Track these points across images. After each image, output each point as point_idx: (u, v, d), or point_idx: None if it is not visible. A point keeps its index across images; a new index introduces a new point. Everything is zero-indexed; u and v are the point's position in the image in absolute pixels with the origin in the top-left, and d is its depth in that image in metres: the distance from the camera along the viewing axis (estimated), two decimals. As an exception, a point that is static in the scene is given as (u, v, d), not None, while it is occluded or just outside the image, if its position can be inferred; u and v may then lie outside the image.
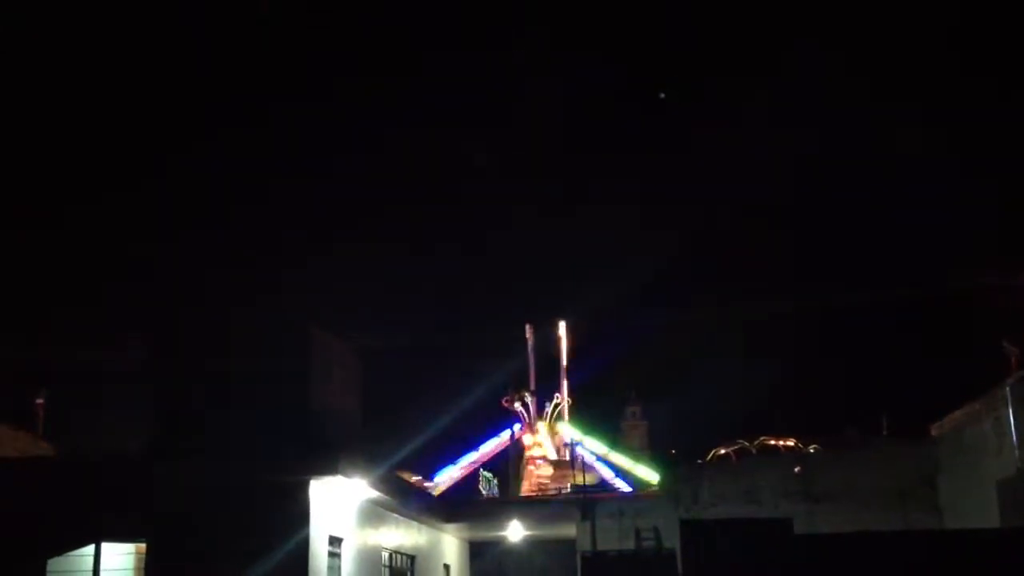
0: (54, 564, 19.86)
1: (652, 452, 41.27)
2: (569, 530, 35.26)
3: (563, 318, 42.32)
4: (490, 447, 40.08)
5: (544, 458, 40.07)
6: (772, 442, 42.62)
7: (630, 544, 33.89)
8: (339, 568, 21.48)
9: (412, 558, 28.23)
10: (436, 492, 35.67)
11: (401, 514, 27.23)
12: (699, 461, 39.19)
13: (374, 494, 23.27)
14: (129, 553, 20.09)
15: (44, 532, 19.77)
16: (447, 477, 38.27)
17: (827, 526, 26.78)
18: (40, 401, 32.49)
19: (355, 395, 24.18)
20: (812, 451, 40.46)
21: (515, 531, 34.51)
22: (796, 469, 33.81)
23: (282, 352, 21.21)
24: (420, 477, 35.83)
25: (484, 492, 37.31)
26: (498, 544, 36.67)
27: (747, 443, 42.98)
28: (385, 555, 25.64)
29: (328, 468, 20.20)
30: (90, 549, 19.89)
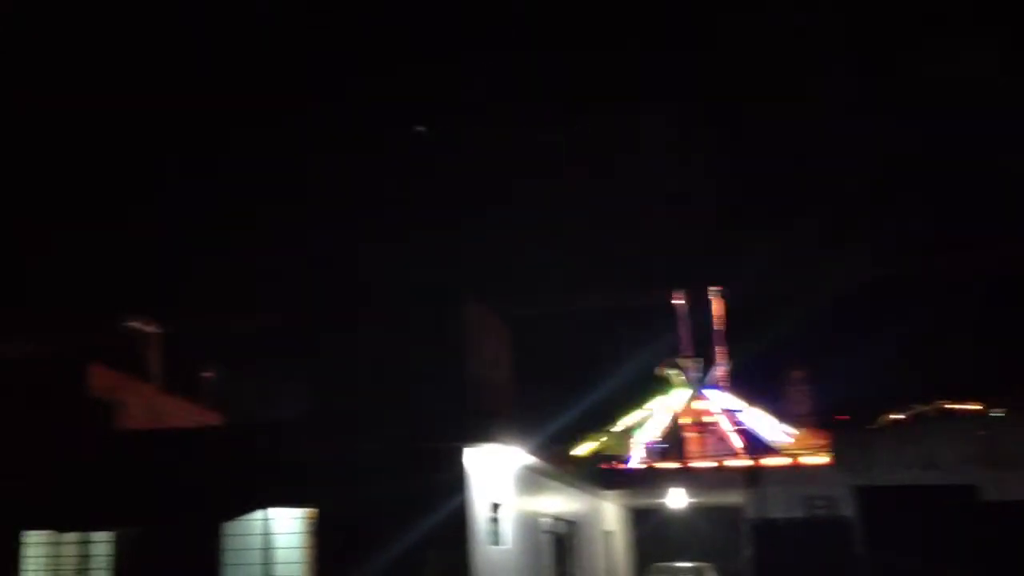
0: (229, 528, 21.50)
1: (818, 418, 40.91)
2: (734, 497, 35.50)
3: (719, 284, 42.26)
4: (646, 414, 40.44)
5: (703, 424, 40.23)
6: (951, 406, 41.60)
7: (799, 512, 34.01)
8: (500, 533, 22.40)
9: (572, 524, 29.01)
10: (596, 459, 36.39)
11: (560, 481, 28.02)
12: (870, 427, 38.66)
13: (531, 461, 24.12)
14: (299, 518, 21.55)
15: (218, 498, 21.38)
16: (600, 444, 38.90)
17: (1015, 494, 26.28)
18: (208, 374, 34.76)
19: (507, 363, 25.02)
20: (997, 415, 39.30)
21: (677, 498, 34.97)
22: (980, 433, 33.09)
23: (434, 320, 22.14)
24: (593, 440, 36.64)
25: (643, 458, 37.85)
26: (660, 511, 37.15)
27: (923, 407, 42.08)
28: (545, 521, 26.47)
29: (482, 435, 21.04)
30: (261, 514, 21.48)
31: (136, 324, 34.50)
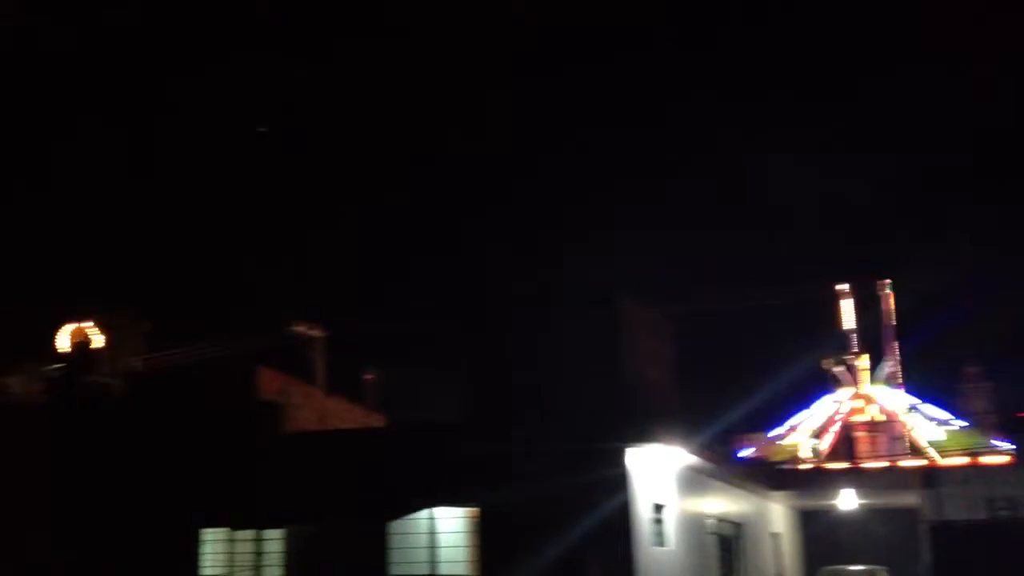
0: (394, 527, 21.90)
1: (998, 415, 38.99)
2: (909, 499, 34.20)
3: (888, 277, 40.74)
4: (813, 413, 39.36)
5: (873, 423, 38.89)
6: None
7: (980, 514, 32.48)
8: (663, 534, 22.13)
9: (738, 525, 28.42)
10: (761, 460, 35.63)
11: (724, 482, 27.49)
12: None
13: (694, 461, 23.72)
14: (462, 517, 21.77)
15: (384, 498, 21.76)
16: (765, 444, 38.04)
17: None
18: (369, 376, 35.56)
19: (667, 361, 24.67)
20: None
21: (847, 499, 33.91)
22: None
23: (591, 320, 21.99)
24: (757, 441, 35.93)
25: (808, 459, 36.83)
26: (829, 512, 36.11)
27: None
28: (710, 522, 26.01)
29: (643, 436, 20.78)
30: (426, 513, 21.79)
31: (302, 328, 35.64)
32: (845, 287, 41.05)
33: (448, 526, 21.75)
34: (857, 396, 39.47)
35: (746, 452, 35.24)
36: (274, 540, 22.88)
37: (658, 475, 22.32)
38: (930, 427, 38.41)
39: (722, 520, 27.03)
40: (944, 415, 39.40)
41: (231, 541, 23.32)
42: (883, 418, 38.80)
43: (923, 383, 40.62)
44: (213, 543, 23.46)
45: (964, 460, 35.77)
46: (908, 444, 38.32)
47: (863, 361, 40.01)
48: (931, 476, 34.05)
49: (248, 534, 23.08)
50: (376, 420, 30.35)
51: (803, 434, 38.31)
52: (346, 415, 28.62)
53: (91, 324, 30.64)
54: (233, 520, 22.99)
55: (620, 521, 20.43)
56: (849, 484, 33.75)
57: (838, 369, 40.10)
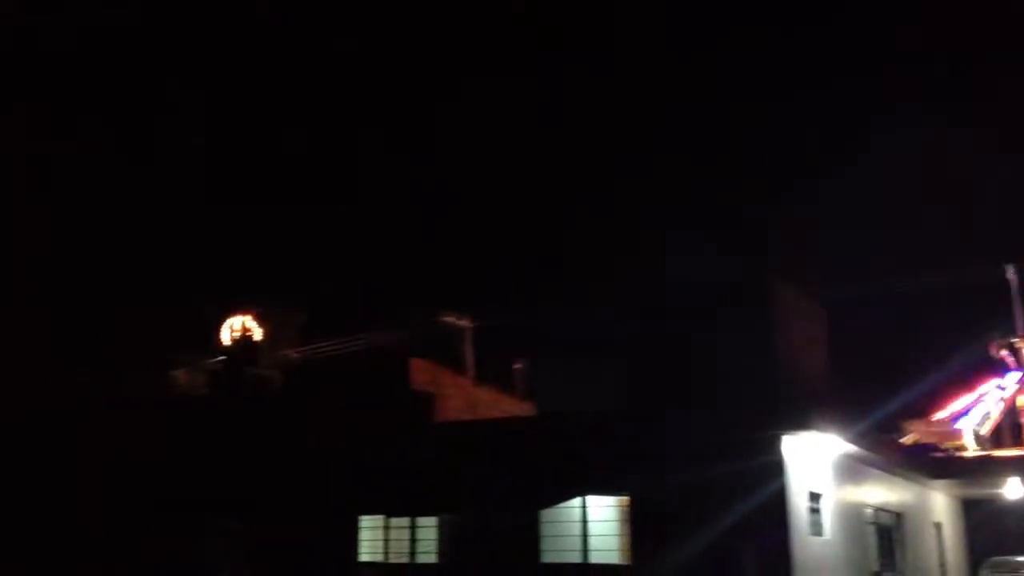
0: (545, 515, 21.79)
1: None
2: (1088, 489, 32.34)
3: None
4: (974, 399, 37.55)
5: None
6: None
7: None
8: (821, 523, 21.43)
9: (898, 515, 27.39)
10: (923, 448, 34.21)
11: (883, 470, 26.52)
12: None
13: (852, 449, 22.89)
14: (613, 506, 21.50)
15: (535, 486, 21.67)
16: (926, 431, 36.47)
17: None
18: (518, 365, 35.54)
19: (822, 347, 23.87)
20: None
21: (1014, 488, 32.26)
22: None
23: (745, 307, 21.41)
24: (918, 428, 34.52)
25: (972, 447, 35.19)
26: (994, 502, 34.45)
27: None
28: (869, 512, 25.13)
29: (799, 424, 20.17)
30: (578, 501, 21.60)
31: (451, 318, 35.90)
32: (1012, 268, 39.04)
33: (599, 514, 21.56)
34: (1022, 381, 37.54)
35: (906, 439, 33.86)
36: (428, 527, 23.11)
37: (815, 463, 21.62)
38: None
39: (881, 509, 26.07)
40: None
41: (387, 528, 23.68)
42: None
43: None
44: (370, 530, 23.85)
45: None
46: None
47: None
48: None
49: (403, 521, 23.38)
50: (525, 409, 30.32)
51: (967, 421, 36.63)
52: (495, 404, 28.68)
53: (251, 318, 31.56)
54: (389, 507, 23.30)
55: (776, 510, 19.88)
56: (1016, 472, 32.07)
57: (1004, 353, 38.19)
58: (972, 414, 36.98)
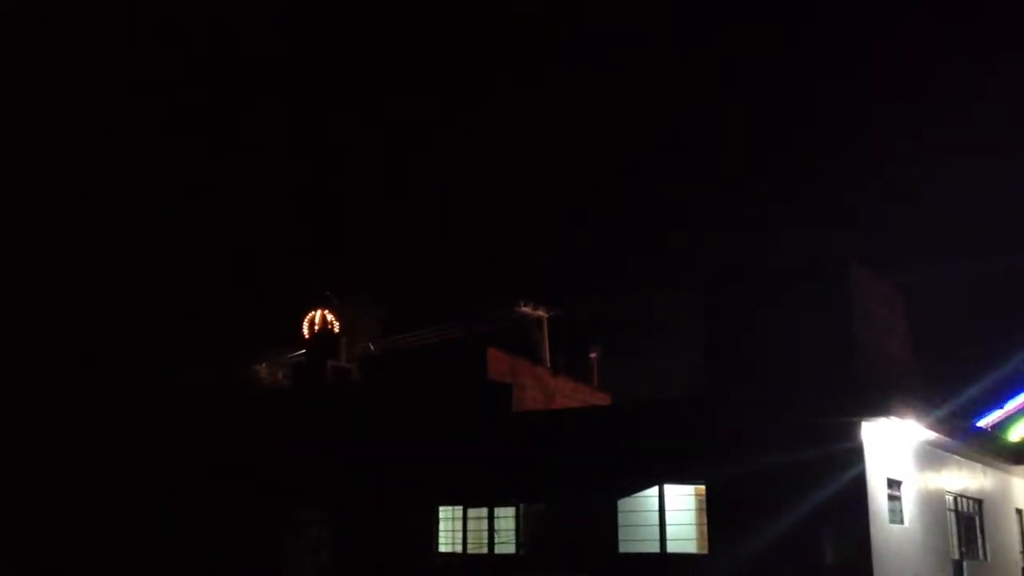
0: (623, 504, 21.34)
1: None
2: None
3: None
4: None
5: None
6: None
7: None
8: (901, 511, 20.67)
9: (979, 502, 26.39)
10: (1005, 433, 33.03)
11: (964, 456, 25.58)
12: None
13: (932, 436, 22.08)
14: (689, 495, 20.96)
15: (612, 475, 21.24)
16: (1009, 416, 35.23)
17: None
18: (594, 355, 35.06)
19: (902, 332, 23.04)
20: None
21: (1098, 473, 30.94)
22: None
23: (824, 292, 20.73)
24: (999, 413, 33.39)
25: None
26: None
27: None
28: (949, 499, 24.25)
29: (879, 409, 19.43)
30: (654, 491, 21.11)
31: (527, 309, 35.55)
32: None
33: (677, 503, 21.05)
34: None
35: (987, 423, 32.72)
36: (506, 518, 22.79)
37: (894, 450, 20.84)
38: None
39: (961, 496, 25.12)
40: None
41: (465, 519, 23.41)
42: None
43: None
44: (449, 520, 23.62)
45: None
46: None
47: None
48: None
49: (481, 511, 23.09)
50: (601, 399, 29.85)
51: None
52: (572, 394, 28.27)
53: (331, 311, 31.59)
54: (467, 498, 23.04)
55: (854, 497, 19.19)
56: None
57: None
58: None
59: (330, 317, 31.31)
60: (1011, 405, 35.62)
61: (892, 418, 19.76)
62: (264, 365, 31.05)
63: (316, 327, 31.07)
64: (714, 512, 20.45)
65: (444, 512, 23.71)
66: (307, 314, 31.51)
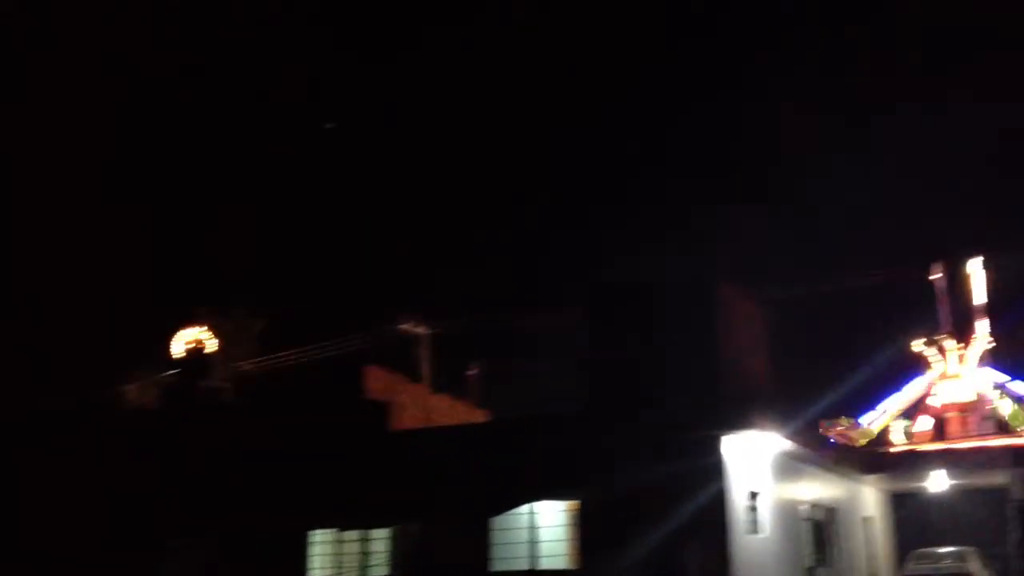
0: (496, 522, 20.97)
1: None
2: (998, 478, 32.34)
3: (978, 255, 38.57)
4: (905, 394, 37.52)
5: (963, 404, 36.89)
6: None
7: (1071, 492, 30.53)
8: (758, 521, 20.95)
9: (831, 511, 27.05)
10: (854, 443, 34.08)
11: (817, 467, 26.19)
12: None
13: (788, 447, 22.51)
14: (562, 510, 20.78)
15: (486, 494, 20.89)
16: (857, 427, 36.38)
17: None
18: (473, 372, 34.71)
19: (763, 347, 23.47)
20: None
21: (938, 481, 32.16)
22: None
23: (689, 308, 20.94)
24: (849, 424, 34.31)
25: (900, 442, 35.13)
26: (920, 495, 34.34)
27: None
28: (804, 508, 24.76)
29: (740, 423, 19.76)
30: (527, 508, 20.83)
31: (408, 325, 34.97)
32: (937, 267, 39.15)
33: (548, 520, 20.84)
34: (947, 376, 37.53)
35: (838, 435, 33.64)
36: (380, 540, 22.17)
37: (754, 462, 21.15)
38: (1007, 404, 36.36)
39: (815, 506, 25.71)
40: (1031, 393, 37.26)
41: (339, 542, 22.64)
42: (973, 398, 36.83)
43: (1014, 361, 38.49)
44: (321, 544, 22.79)
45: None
46: (997, 424, 36.30)
47: (953, 341, 38.01)
48: (1021, 455, 32.09)
49: (354, 534, 22.37)
50: (480, 416, 29.46)
51: (895, 416, 36.57)
52: (451, 412, 27.79)
53: (204, 329, 30.35)
54: (340, 521, 22.31)
55: (716, 510, 19.41)
56: (940, 465, 31.95)
57: (929, 350, 38.19)
58: (900, 410, 36.96)
59: (203, 334, 30.09)
60: (867, 416, 36.73)
61: (752, 431, 20.07)
62: (133, 385, 29.64)
63: (188, 345, 29.81)
64: (585, 528, 20.31)
65: (318, 536, 22.84)
66: (178, 331, 30.21)
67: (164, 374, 29.85)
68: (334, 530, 22.54)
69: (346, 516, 22.07)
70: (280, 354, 31.86)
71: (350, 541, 22.46)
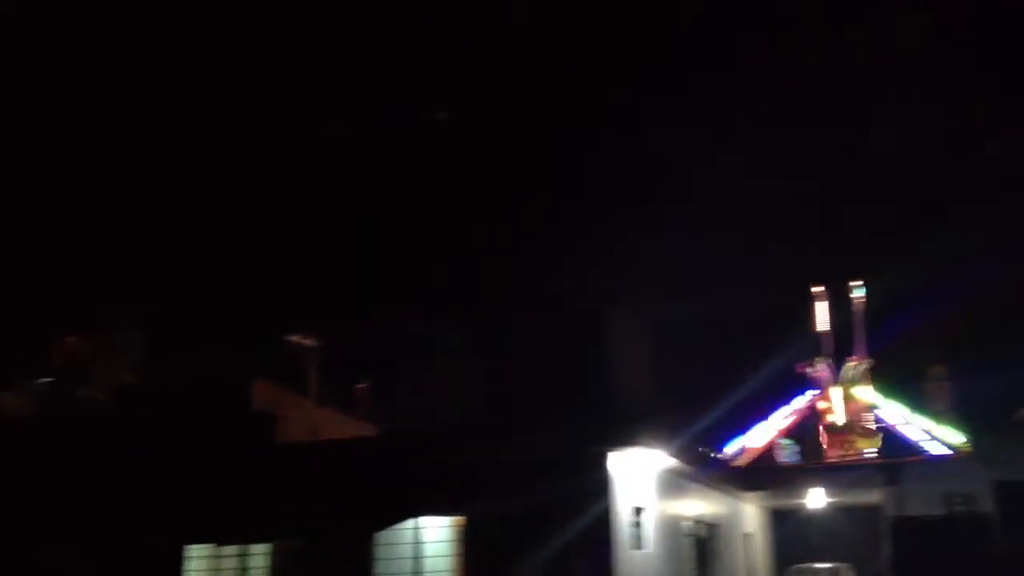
0: (380, 537, 20.63)
1: (958, 413, 38.23)
2: (873, 496, 33.38)
3: (860, 278, 39.92)
4: (786, 414, 38.48)
5: (843, 423, 38.02)
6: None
7: (938, 509, 31.68)
8: (642, 537, 21.11)
9: (713, 527, 27.46)
10: (736, 461, 34.75)
11: (701, 483, 26.57)
12: (1011, 421, 35.81)
13: (673, 464, 22.77)
14: (447, 526, 20.54)
15: (371, 509, 20.54)
16: (741, 446, 37.13)
17: None
18: (362, 385, 34.19)
19: (651, 366, 23.76)
20: None
21: (816, 498, 33.01)
22: None
23: (580, 326, 21.09)
24: (732, 442, 34.97)
25: (783, 460, 35.99)
26: (799, 512, 35.19)
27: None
28: (687, 524, 25.07)
29: (626, 439, 19.92)
30: (412, 523, 20.55)
31: (296, 338, 34.23)
32: (819, 288, 40.35)
33: (433, 535, 20.59)
34: (827, 396, 38.63)
35: (722, 453, 34.26)
36: (259, 555, 21.56)
37: (639, 478, 21.34)
38: (900, 424, 37.62)
39: (698, 522, 26.10)
40: (906, 413, 38.53)
41: (217, 557, 21.95)
42: (851, 418, 37.98)
43: (891, 383, 39.79)
44: (198, 560, 22.05)
45: (925, 457, 34.92)
46: (870, 443, 37.52)
47: (834, 362, 39.18)
48: (893, 473, 33.22)
49: (233, 550, 21.72)
50: (368, 430, 29.00)
51: (777, 435, 37.44)
52: (338, 426, 27.26)
53: (82, 337, 29.20)
54: (218, 535, 21.62)
55: (602, 526, 19.50)
56: (818, 483, 32.83)
57: (811, 370, 39.26)
58: (782, 429, 37.84)
59: (81, 343, 28.93)
60: (750, 434, 37.44)
61: (638, 448, 20.22)
62: (6, 394, 28.24)
63: (65, 354, 28.62)
64: (471, 545, 20.12)
65: (195, 551, 22.06)
66: (57, 340, 29.00)
67: (40, 382, 28.56)
68: (211, 545, 21.84)
69: (224, 531, 21.42)
70: (165, 365, 30.78)
71: (228, 556, 21.81)
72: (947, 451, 34.64)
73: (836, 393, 39.21)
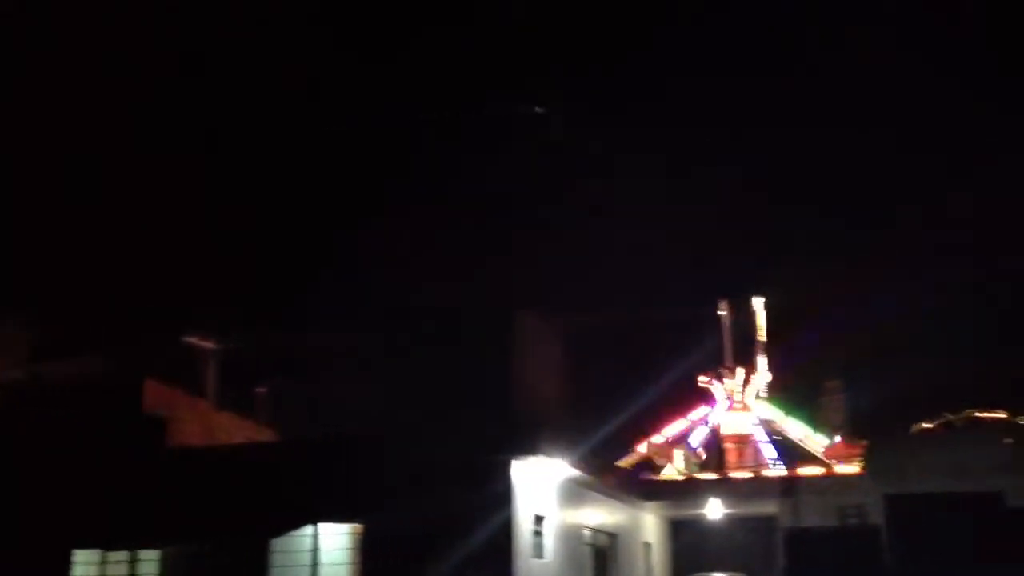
0: (277, 545, 20.08)
1: (851, 428, 39.19)
2: (770, 507, 33.85)
3: (759, 295, 40.57)
4: (685, 425, 38.92)
5: (740, 436, 38.60)
6: (980, 415, 39.71)
7: (832, 521, 32.31)
8: (542, 546, 20.98)
9: (613, 536, 27.49)
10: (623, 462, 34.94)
11: (601, 493, 26.56)
12: (903, 436, 36.82)
13: (575, 473, 22.69)
14: (346, 534, 20.09)
15: (267, 515, 19.95)
16: (642, 455, 37.40)
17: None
18: (261, 390, 33.38)
19: (556, 374, 23.63)
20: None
21: (714, 509, 33.33)
22: (1006, 441, 31.46)
23: (485, 333, 20.86)
24: (633, 452, 35.14)
25: (681, 471, 36.34)
26: (698, 522, 35.52)
27: (952, 416, 40.23)
28: (587, 533, 25.03)
29: (529, 448, 19.77)
30: (310, 530, 20.06)
31: (193, 340, 33.19)
32: (721, 304, 40.94)
33: (331, 543, 20.10)
34: (727, 409, 39.17)
35: (622, 463, 34.42)
36: (150, 561, 20.74)
37: (541, 487, 21.23)
38: (797, 437, 38.43)
39: (598, 531, 26.09)
40: (802, 427, 39.41)
41: (104, 563, 21.02)
42: (749, 431, 38.57)
43: (788, 397, 40.60)
44: (84, 566, 21.07)
45: (820, 470, 35.65)
46: (769, 455, 38.20)
47: (735, 375, 39.73)
48: (789, 485, 33.81)
49: (122, 555, 20.84)
50: (268, 435, 28.23)
51: (677, 446, 37.79)
52: (235, 430, 26.45)
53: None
54: (105, 540, 20.70)
55: (503, 535, 19.35)
56: (716, 494, 33.17)
57: (711, 383, 39.76)
58: (681, 440, 38.25)
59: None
60: (651, 444, 37.75)
61: (541, 457, 20.06)
62: None
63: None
64: (370, 553, 19.72)
65: (81, 556, 21.07)
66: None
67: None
68: (98, 550, 20.90)
69: (112, 535, 20.52)
70: (53, 362, 29.51)
71: (116, 562, 20.92)
72: (839, 464, 35.41)
73: (737, 406, 39.80)
